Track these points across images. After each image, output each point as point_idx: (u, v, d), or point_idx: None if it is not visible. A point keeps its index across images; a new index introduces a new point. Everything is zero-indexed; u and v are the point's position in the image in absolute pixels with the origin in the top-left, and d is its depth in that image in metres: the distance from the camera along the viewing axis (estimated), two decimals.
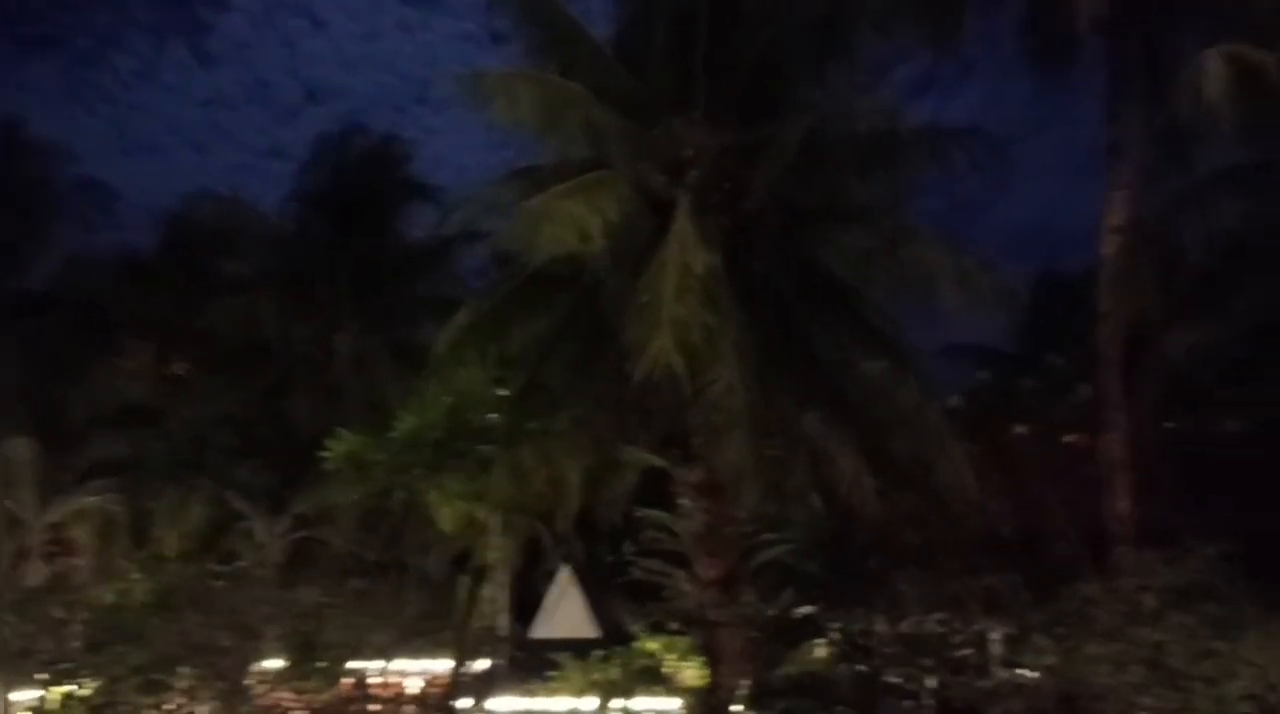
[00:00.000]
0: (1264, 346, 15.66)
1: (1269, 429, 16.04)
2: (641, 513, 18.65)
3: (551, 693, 20.63)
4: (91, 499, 22.92)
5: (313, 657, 17.04)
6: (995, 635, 15.35)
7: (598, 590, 24.11)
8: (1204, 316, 15.98)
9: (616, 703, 20.38)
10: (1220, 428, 18.35)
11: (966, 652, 14.17)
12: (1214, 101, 13.52)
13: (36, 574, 22.07)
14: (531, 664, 21.59)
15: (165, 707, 16.30)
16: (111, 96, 43.42)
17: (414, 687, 21.69)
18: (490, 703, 19.23)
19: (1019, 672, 12.42)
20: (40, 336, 21.56)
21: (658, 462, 16.00)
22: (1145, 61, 15.64)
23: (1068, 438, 19.20)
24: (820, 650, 19.66)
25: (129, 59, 43.35)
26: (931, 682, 15.28)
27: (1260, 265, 15.41)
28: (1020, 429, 19.91)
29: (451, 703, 18.02)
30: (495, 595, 23.74)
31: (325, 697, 17.80)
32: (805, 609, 18.71)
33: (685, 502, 15.54)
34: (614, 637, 22.39)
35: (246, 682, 16.66)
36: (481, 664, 20.20)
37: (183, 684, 16.16)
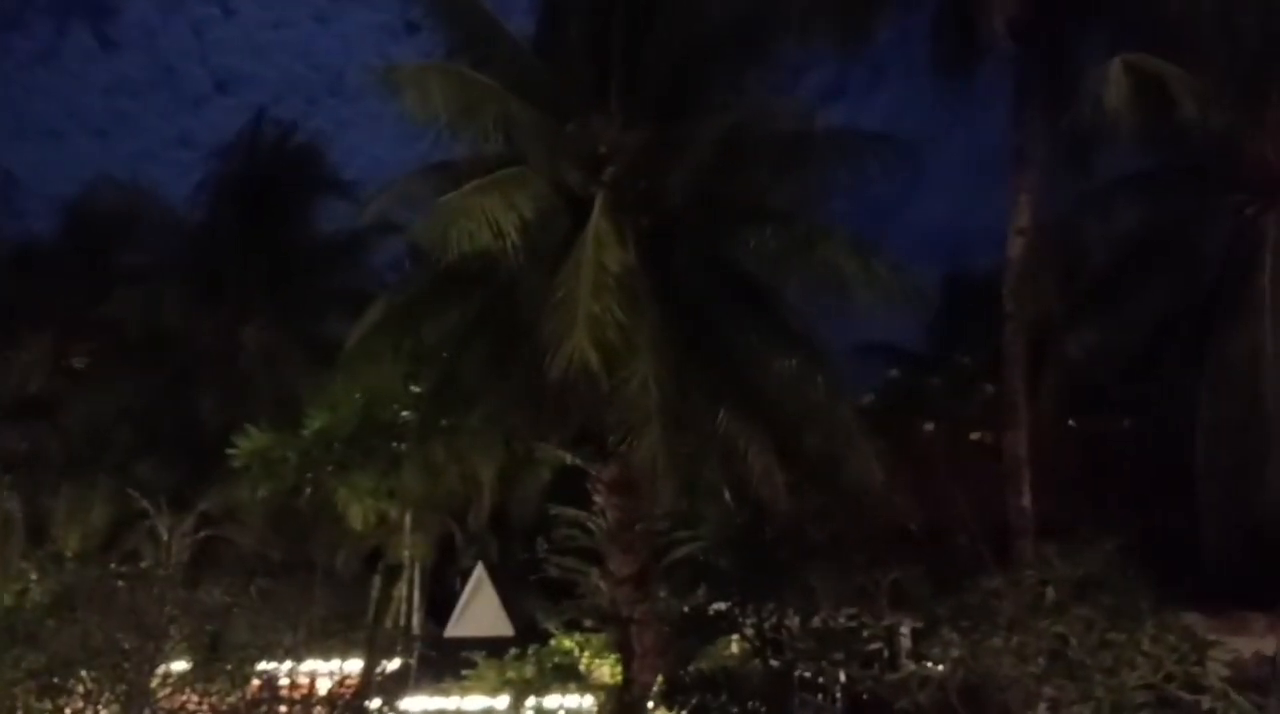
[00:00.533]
0: (1159, 347, 16.23)
1: (1162, 427, 16.62)
2: (556, 510, 18.64)
3: (465, 692, 20.55)
4: None
5: (219, 658, 16.66)
6: (904, 629, 15.64)
7: (512, 588, 24.09)
8: (1103, 317, 16.49)
9: (531, 701, 20.37)
10: (1117, 425, 18.96)
11: (876, 645, 14.41)
12: (1115, 108, 13.94)
13: None
14: (445, 663, 21.48)
15: (65, 711, 15.81)
16: (9, 80, 41.84)
17: (325, 688, 21.39)
18: (403, 703, 19.05)
19: (927, 664, 12.67)
20: None
21: (572, 459, 16.01)
22: (1049, 68, 16.11)
23: (973, 435, 19.67)
24: (733, 646, 19.86)
25: (28, 42, 41.97)
26: (842, 676, 15.50)
27: (1157, 268, 15.96)
28: (928, 426, 20.34)
29: (363, 703, 17.80)
30: (408, 594, 23.56)
31: (232, 699, 17.40)
32: (718, 605, 18.86)
33: (599, 499, 15.56)
34: (528, 635, 22.38)
35: (150, 685, 16.23)
36: (394, 664, 20.01)
37: (82, 688, 15.67)
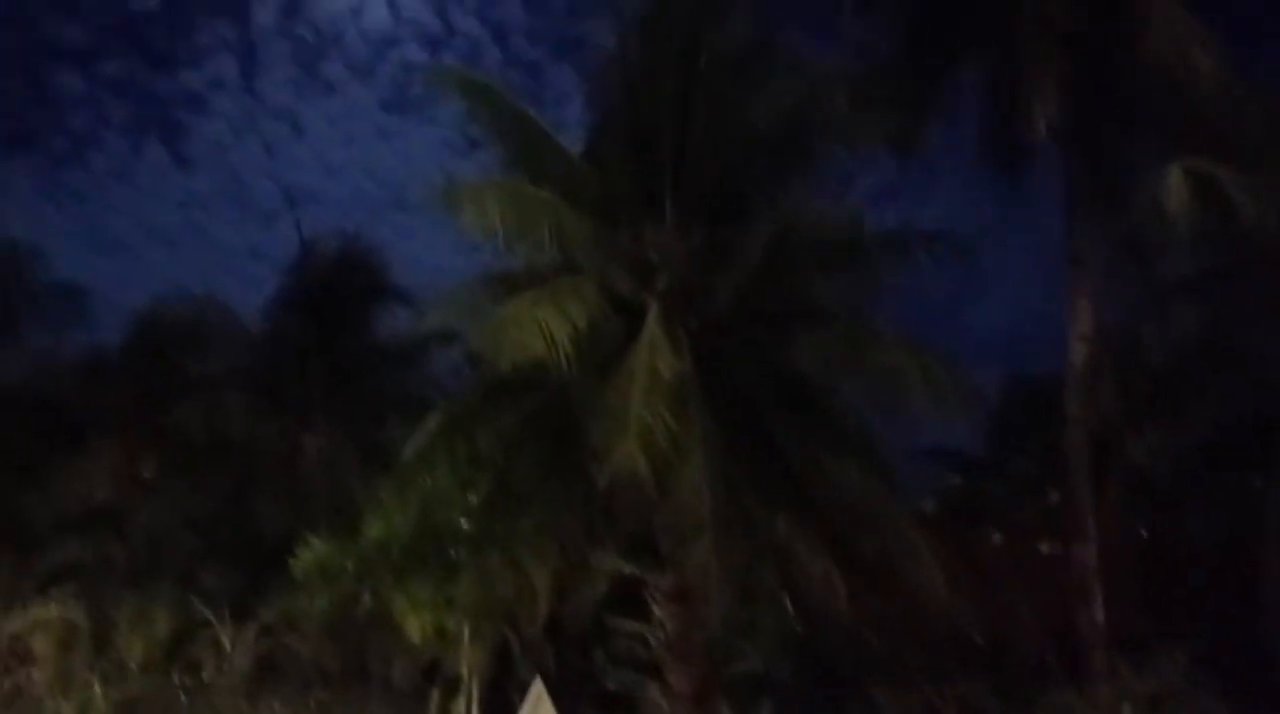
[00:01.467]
0: (1223, 449, 15.83)
1: (1228, 530, 16.11)
2: (613, 621, 18.39)
3: None
4: (52, 607, 22.42)
5: None
6: None
7: (569, 702, 23.64)
8: (1166, 420, 16.16)
9: None
10: (1182, 530, 18.40)
11: None
12: (1174, 213, 13.88)
13: None
14: None
15: None
16: (86, 196, 43.78)
17: None
18: None
19: None
20: (2, 439, 21.34)
21: (627, 567, 15.84)
22: (1097, 170, 16.10)
23: (1038, 544, 19.18)
24: None
25: (105, 159, 43.93)
26: None
27: (1220, 369, 15.65)
28: (990, 533, 19.89)
29: None
30: (466, 709, 23.24)
31: None
32: None
33: (656, 609, 15.35)
34: None
35: None
36: None
37: None
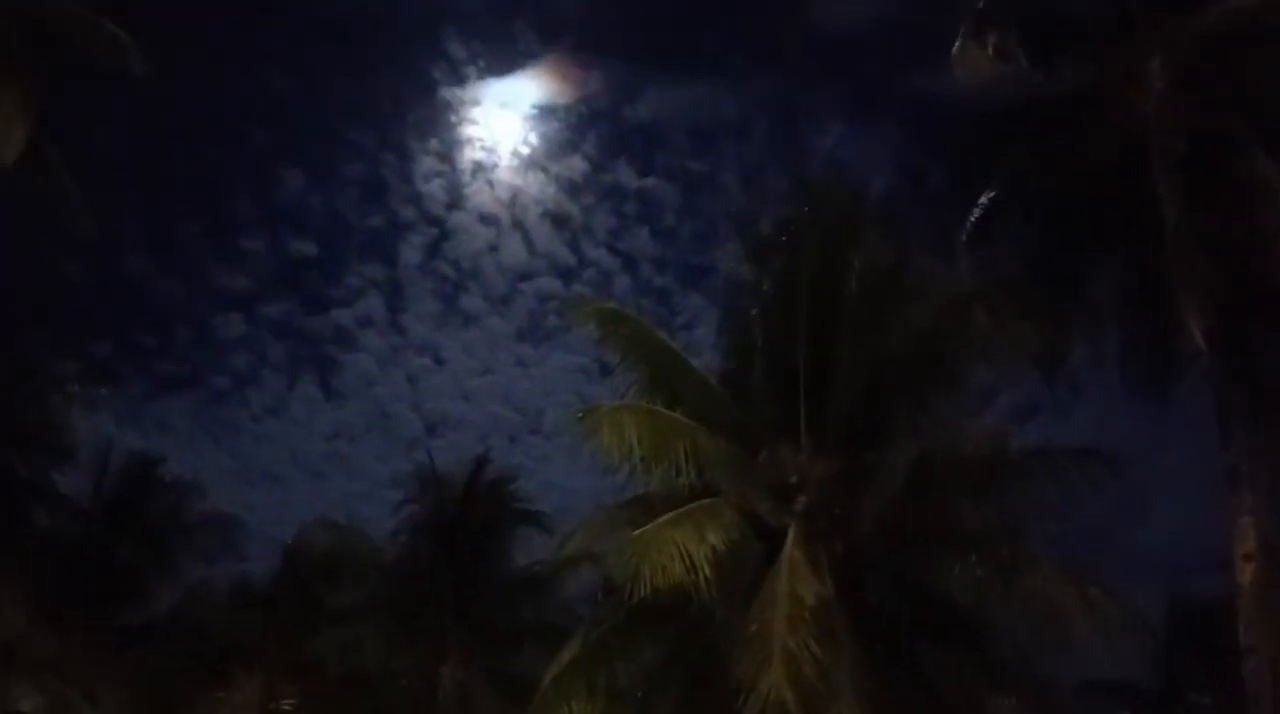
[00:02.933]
0: None
1: None
2: None
3: None
4: None
5: None
6: None
7: None
8: None
9: None
10: None
11: None
12: None
13: None
14: None
15: None
16: (242, 431, 45.99)
17: None
18: None
19: None
20: (150, 668, 21.72)
21: None
22: (1252, 379, 15.47)
23: None
24: None
25: (263, 396, 46.20)
26: None
27: None
28: None
29: None
30: None
31: None
32: None
33: None
34: None
35: None
36: None
37: None
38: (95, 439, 22.55)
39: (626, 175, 47.39)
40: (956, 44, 16.08)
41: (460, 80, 45.56)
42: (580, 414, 14.61)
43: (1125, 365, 16.44)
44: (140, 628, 23.22)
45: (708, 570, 13.04)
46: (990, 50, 15.92)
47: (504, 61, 50.67)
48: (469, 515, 25.08)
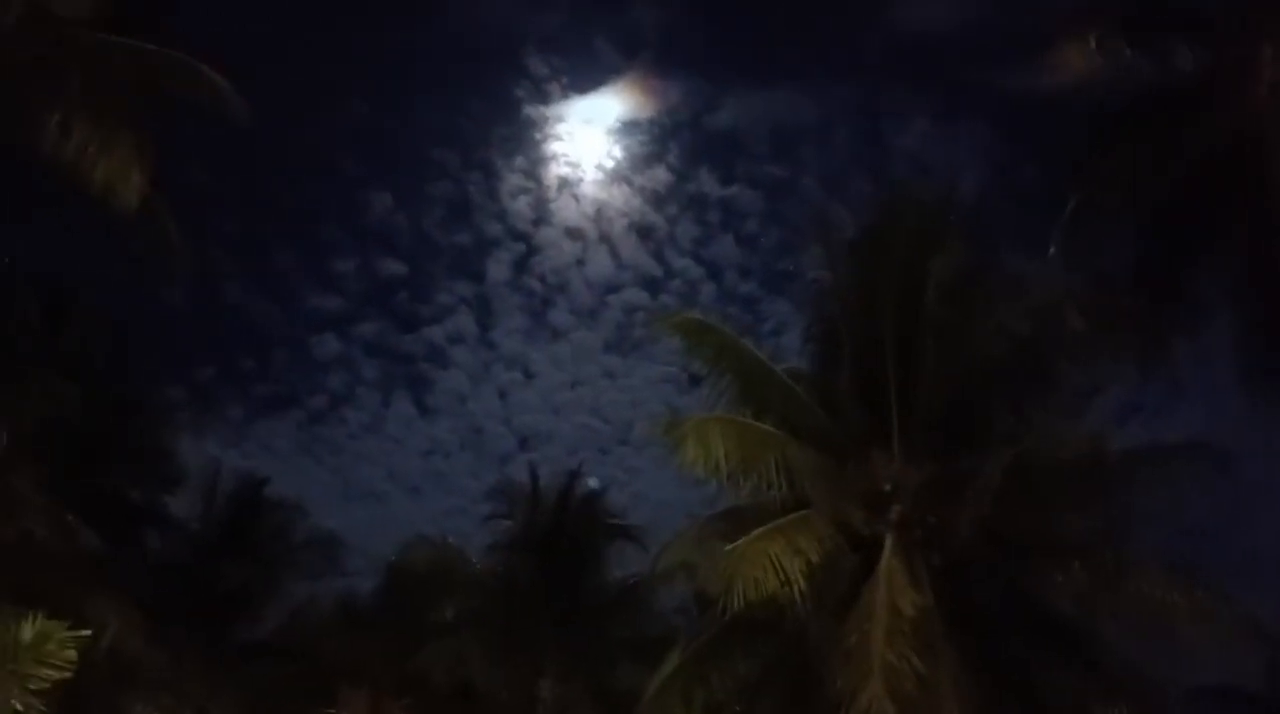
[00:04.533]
0: None
1: None
2: None
3: None
4: None
5: None
6: None
7: None
8: None
9: None
10: None
11: None
12: None
13: None
14: None
15: None
16: (340, 449, 47.01)
17: None
18: None
19: None
20: (260, 686, 22.24)
21: None
22: None
23: None
24: None
25: (359, 414, 47.14)
26: None
27: None
28: None
29: None
30: None
31: None
32: None
33: None
34: None
35: None
36: None
37: None
38: (202, 462, 23.21)
39: (710, 184, 47.34)
40: (1057, 39, 15.57)
41: (544, 98, 46.02)
42: (665, 428, 14.57)
43: (1237, 358, 15.83)
44: (250, 646, 23.78)
45: (802, 583, 12.92)
46: (1093, 44, 15.43)
47: (586, 78, 51.10)
48: (563, 530, 25.27)
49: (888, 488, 14.21)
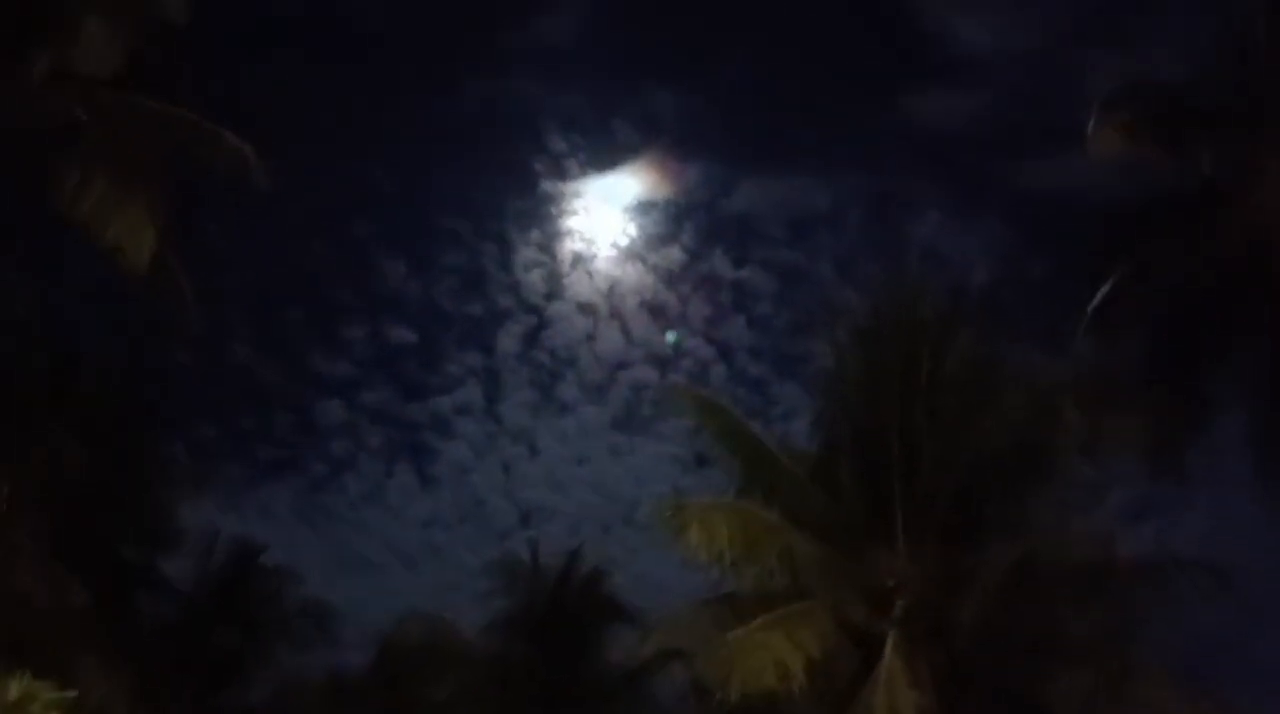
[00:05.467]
0: None
1: None
2: None
3: None
4: None
5: None
6: None
7: None
8: None
9: None
10: None
11: None
12: None
13: None
14: None
15: None
16: (338, 518, 46.54)
17: None
18: None
19: None
20: None
21: None
22: None
23: None
24: None
25: (360, 483, 46.70)
26: None
27: None
28: None
29: None
30: None
31: None
32: None
33: None
34: None
35: None
36: None
37: None
38: (200, 524, 22.95)
39: (723, 265, 47.52)
40: (1090, 126, 15.61)
41: (561, 174, 46.32)
42: (669, 512, 14.42)
43: (1254, 460, 15.65)
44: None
45: (801, 678, 12.67)
46: (1111, 142, 15.50)
47: (604, 157, 51.54)
48: (562, 610, 24.91)
49: (891, 583, 13.99)
